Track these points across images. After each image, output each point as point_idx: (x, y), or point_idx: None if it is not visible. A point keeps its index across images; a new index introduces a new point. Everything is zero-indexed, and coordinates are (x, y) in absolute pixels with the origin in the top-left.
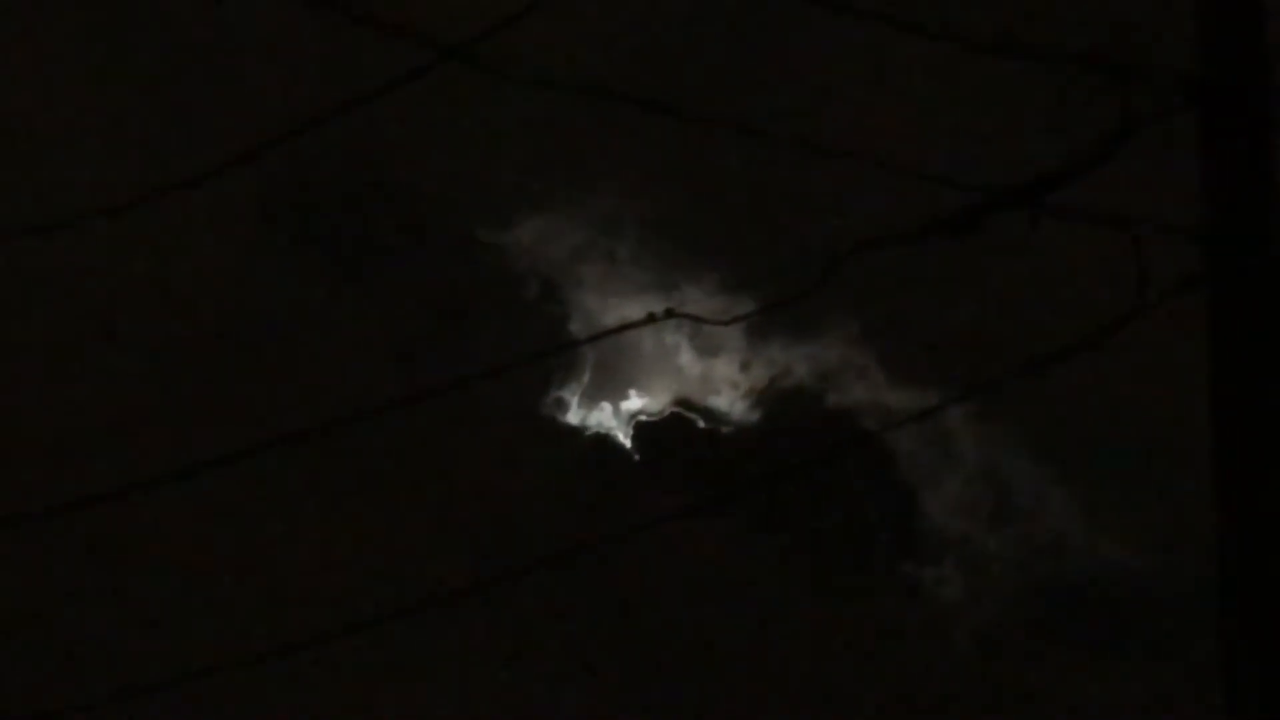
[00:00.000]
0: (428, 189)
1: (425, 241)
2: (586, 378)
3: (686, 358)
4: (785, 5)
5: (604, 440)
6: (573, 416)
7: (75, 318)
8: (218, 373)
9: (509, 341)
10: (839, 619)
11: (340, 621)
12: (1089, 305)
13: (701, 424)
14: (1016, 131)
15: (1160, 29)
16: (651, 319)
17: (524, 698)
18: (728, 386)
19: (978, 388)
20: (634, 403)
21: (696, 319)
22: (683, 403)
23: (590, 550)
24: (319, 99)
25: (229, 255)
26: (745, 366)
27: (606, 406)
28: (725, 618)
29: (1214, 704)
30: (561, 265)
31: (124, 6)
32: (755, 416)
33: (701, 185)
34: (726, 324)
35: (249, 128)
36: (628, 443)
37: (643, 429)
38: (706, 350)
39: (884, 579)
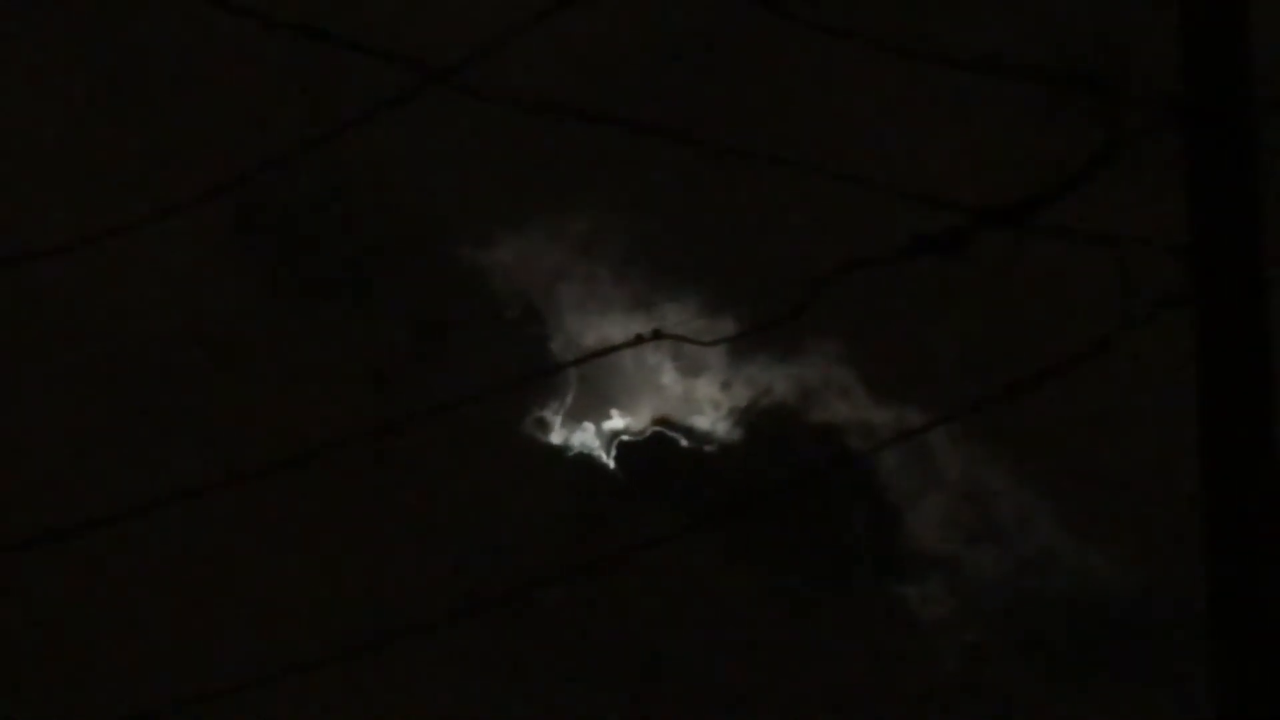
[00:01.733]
0: (407, 210)
1: (405, 263)
2: (569, 398)
3: (669, 377)
4: (768, 27)
5: (586, 460)
6: (555, 437)
7: (45, 340)
8: (192, 396)
9: (490, 363)
10: (822, 638)
11: (321, 648)
12: (1075, 324)
13: (684, 443)
14: (1002, 151)
15: (1146, 48)
16: (640, 340)
17: None
18: (710, 406)
19: (963, 408)
20: (616, 423)
21: (683, 340)
22: (665, 422)
23: (575, 571)
24: (302, 123)
25: (204, 276)
26: (727, 386)
27: (589, 427)
28: (707, 637)
29: None
30: (542, 286)
31: (99, 28)
32: (738, 436)
33: (683, 205)
34: (712, 344)
35: (230, 151)
36: (610, 463)
37: (625, 449)
38: (689, 370)
39: (868, 598)
